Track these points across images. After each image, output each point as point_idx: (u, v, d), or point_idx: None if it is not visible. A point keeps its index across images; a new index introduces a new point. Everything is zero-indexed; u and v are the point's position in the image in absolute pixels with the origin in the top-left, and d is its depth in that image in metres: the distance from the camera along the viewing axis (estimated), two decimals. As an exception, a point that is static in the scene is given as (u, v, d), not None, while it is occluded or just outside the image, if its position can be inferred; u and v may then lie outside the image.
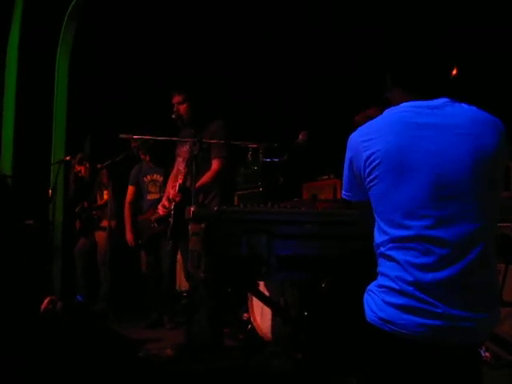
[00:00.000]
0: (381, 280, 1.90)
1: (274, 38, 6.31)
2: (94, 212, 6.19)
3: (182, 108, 4.36)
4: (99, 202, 6.20)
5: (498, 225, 2.07)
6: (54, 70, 6.41)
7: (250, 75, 6.41)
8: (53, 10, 6.25)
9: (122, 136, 4.23)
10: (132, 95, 6.55)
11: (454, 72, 2.07)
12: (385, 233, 1.89)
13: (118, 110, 6.47)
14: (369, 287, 1.96)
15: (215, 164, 4.19)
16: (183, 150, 4.42)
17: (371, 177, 1.90)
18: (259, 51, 6.36)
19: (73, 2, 6.24)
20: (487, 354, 3.47)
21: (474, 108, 1.91)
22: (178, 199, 4.12)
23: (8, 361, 2.21)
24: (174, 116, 4.36)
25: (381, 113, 2.01)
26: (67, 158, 6.00)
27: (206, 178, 4.13)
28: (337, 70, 5.80)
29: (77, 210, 6.24)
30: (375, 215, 1.95)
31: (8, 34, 6.33)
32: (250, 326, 4.56)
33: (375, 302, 1.88)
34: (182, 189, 4.13)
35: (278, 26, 6.25)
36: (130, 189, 5.44)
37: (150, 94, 6.21)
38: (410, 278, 1.79)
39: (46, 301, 2.75)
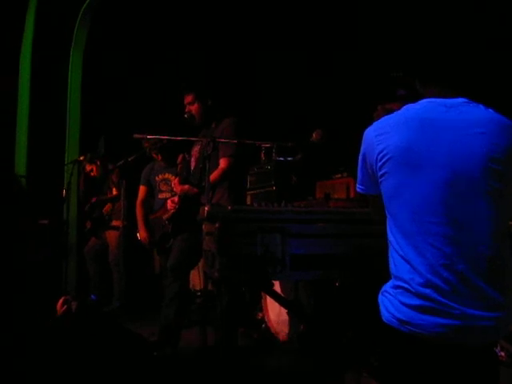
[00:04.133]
0: (395, 281, 1.89)
1: (288, 35, 6.29)
2: (104, 211, 6.22)
3: (194, 108, 4.35)
4: (108, 196, 6.23)
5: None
6: (67, 69, 6.44)
7: (265, 73, 6.40)
8: (67, 9, 6.27)
9: (136, 136, 4.23)
10: (146, 95, 6.57)
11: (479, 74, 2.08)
12: (396, 230, 1.90)
13: (131, 109, 6.49)
14: (384, 288, 1.95)
15: (223, 163, 4.15)
16: (195, 150, 4.44)
17: (382, 171, 1.91)
18: (273, 49, 6.35)
19: (86, 1, 6.26)
20: (502, 353, 3.45)
21: (490, 110, 1.93)
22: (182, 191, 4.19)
23: (23, 360, 2.22)
24: (186, 116, 4.36)
25: (400, 108, 2.02)
26: (81, 158, 6.03)
27: (212, 176, 4.10)
28: (352, 68, 5.78)
29: (86, 208, 6.26)
30: (386, 212, 1.95)
31: (22, 34, 6.36)
32: (264, 326, 4.56)
33: (392, 303, 1.87)
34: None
35: (291, 23, 6.24)
36: (142, 188, 5.42)
37: (163, 93, 6.22)
38: (422, 280, 1.79)
39: (60, 300, 2.75)
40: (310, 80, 6.22)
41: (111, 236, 6.06)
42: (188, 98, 4.38)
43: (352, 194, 4.74)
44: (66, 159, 6.34)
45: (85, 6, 6.29)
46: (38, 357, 2.25)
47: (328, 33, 6.05)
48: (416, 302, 1.80)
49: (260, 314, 4.69)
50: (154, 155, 5.36)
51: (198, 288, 5.78)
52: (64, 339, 2.47)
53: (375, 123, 2.01)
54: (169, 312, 4.23)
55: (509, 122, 1.90)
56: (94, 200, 6.27)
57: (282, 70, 6.35)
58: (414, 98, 2.02)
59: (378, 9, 5.62)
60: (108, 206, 6.24)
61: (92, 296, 6.16)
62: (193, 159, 4.46)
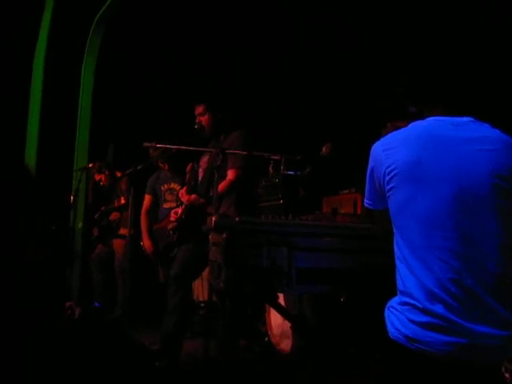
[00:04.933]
0: (402, 297, 1.88)
1: (299, 49, 6.32)
2: (111, 219, 6.23)
3: (204, 119, 4.36)
4: (116, 205, 6.26)
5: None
6: (79, 77, 6.47)
7: (275, 86, 6.42)
8: (81, 17, 6.32)
9: (146, 144, 4.24)
10: (156, 104, 6.59)
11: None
12: (402, 243, 1.89)
13: (141, 118, 6.52)
14: (390, 303, 1.94)
15: (230, 174, 4.15)
16: (203, 161, 4.44)
17: (390, 185, 1.92)
18: (284, 62, 6.38)
19: (101, 10, 6.31)
20: (507, 375, 3.42)
21: (497, 130, 1.95)
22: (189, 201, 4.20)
23: (23, 360, 2.22)
24: (196, 127, 4.37)
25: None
26: (90, 165, 6.05)
27: (220, 187, 4.08)
28: (361, 83, 5.79)
29: (96, 217, 6.28)
30: (394, 228, 1.95)
31: (36, 39, 6.41)
32: (266, 339, 4.54)
33: (399, 319, 1.86)
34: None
35: (301, 36, 6.27)
36: (147, 197, 5.41)
37: (173, 103, 6.24)
38: (429, 295, 1.78)
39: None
40: (321, 94, 6.23)
41: (118, 244, 6.07)
42: (199, 109, 4.39)
43: (359, 210, 4.73)
44: (74, 166, 6.36)
45: (99, 14, 6.34)
46: (39, 359, 2.25)
47: (341, 48, 6.07)
48: (423, 318, 1.78)
49: (264, 328, 4.67)
50: (161, 164, 5.35)
51: (201, 299, 5.77)
52: (66, 345, 2.47)
53: (383, 138, 2.02)
54: (170, 322, 4.22)
55: None
56: (103, 209, 6.28)
57: (293, 83, 6.36)
58: (424, 117, 2.04)
59: (387, 29, 5.65)
60: (116, 214, 6.25)
61: (95, 303, 6.15)
62: (201, 170, 4.46)
